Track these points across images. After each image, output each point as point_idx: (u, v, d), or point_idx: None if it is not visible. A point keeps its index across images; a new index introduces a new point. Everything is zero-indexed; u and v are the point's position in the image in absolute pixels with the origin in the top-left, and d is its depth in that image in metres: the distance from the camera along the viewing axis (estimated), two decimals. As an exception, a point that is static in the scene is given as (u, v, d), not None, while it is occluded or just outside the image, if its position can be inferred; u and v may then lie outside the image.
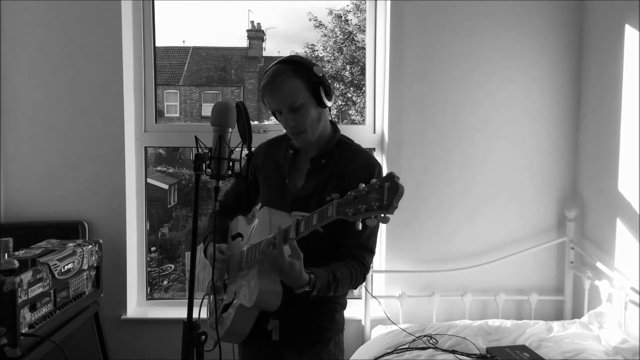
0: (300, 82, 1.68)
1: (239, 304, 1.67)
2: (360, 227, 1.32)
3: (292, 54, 1.77)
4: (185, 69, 5.67)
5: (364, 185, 1.33)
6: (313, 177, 1.78)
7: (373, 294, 2.92)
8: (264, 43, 5.03)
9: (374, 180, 1.32)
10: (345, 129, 3.16)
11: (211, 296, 1.84)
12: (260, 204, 1.94)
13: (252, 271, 1.64)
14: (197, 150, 1.50)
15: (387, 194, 1.28)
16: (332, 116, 1.85)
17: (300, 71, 1.69)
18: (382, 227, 3.04)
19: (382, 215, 1.28)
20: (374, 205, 1.28)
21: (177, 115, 5.68)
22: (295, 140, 1.77)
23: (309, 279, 1.54)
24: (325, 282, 1.60)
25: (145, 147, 3.10)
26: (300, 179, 1.80)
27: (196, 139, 1.51)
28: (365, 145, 3.08)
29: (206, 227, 2.01)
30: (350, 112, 4.47)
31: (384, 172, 2.97)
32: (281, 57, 1.77)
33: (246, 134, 1.62)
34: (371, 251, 1.77)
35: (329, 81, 1.76)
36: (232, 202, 2.01)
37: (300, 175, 1.81)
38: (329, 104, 1.74)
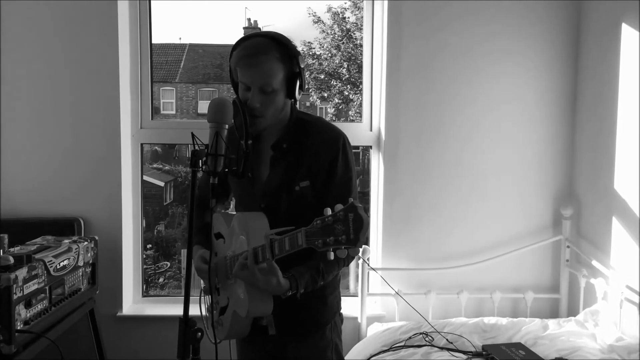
0: (281, 67, 1.60)
1: (232, 311, 1.67)
2: (332, 257, 1.28)
3: (279, 33, 1.67)
4: (181, 66, 5.66)
5: (330, 212, 1.29)
6: (278, 165, 1.72)
7: (369, 292, 2.93)
8: (260, 40, 5.02)
9: (339, 207, 1.27)
10: (342, 127, 3.17)
11: (206, 297, 1.84)
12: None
13: (239, 281, 1.62)
14: (194, 147, 1.49)
15: (352, 227, 1.23)
16: (331, 115, 1.83)
17: (285, 56, 1.61)
18: (379, 224, 3.04)
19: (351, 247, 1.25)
20: (341, 239, 1.25)
21: (173, 112, 5.68)
22: (250, 122, 1.64)
23: (290, 284, 1.55)
24: (308, 278, 1.60)
25: (142, 144, 3.09)
26: (265, 169, 1.75)
27: (192, 135, 1.50)
28: (362, 142, 3.10)
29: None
30: (345, 109, 4.48)
31: (380, 170, 2.98)
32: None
33: (243, 131, 1.62)
34: None
35: (308, 74, 1.71)
36: (206, 194, 1.82)
37: (264, 165, 1.75)
38: (298, 97, 1.68)
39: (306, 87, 1.72)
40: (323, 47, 4.59)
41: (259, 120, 1.64)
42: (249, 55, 1.60)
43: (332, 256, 1.27)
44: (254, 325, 1.71)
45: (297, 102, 1.75)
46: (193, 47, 5.56)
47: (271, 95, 1.62)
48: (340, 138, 1.72)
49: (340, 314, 1.87)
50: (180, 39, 5.56)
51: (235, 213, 1.87)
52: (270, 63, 1.59)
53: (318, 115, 4.63)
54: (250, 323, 1.69)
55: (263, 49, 1.60)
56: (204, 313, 1.84)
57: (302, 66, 1.64)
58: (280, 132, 1.73)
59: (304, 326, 1.77)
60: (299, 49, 1.69)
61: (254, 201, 1.75)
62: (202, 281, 1.85)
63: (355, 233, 1.23)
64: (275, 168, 1.73)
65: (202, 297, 1.86)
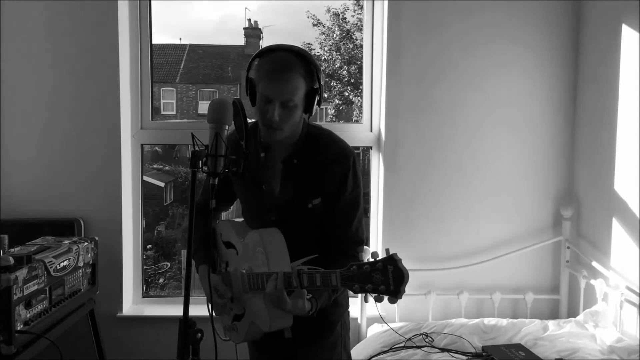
0: (303, 83, 1.64)
1: (250, 321, 1.70)
2: (367, 301, 1.42)
3: (302, 47, 1.71)
4: (181, 67, 5.67)
5: (359, 255, 1.43)
6: (289, 179, 1.75)
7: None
8: (261, 41, 5.02)
9: (375, 254, 1.35)
10: (342, 128, 3.19)
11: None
12: (239, 203, 1.94)
13: (259, 297, 1.64)
14: (194, 148, 1.49)
15: (392, 279, 1.32)
16: (331, 116, 1.85)
17: (308, 73, 1.65)
18: (379, 225, 3.04)
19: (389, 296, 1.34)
20: (381, 289, 1.33)
21: (174, 112, 5.68)
22: (267, 132, 1.69)
23: (311, 304, 1.59)
24: (325, 297, 1.65)
25: (142, 145, 3.09)
26: (276, 183, 1.77)
27: (192, 136, 1.50)
28: (362, 143, 3.10)
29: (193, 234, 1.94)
30: (347, 111, 4.48)
31: (380, 171, 2.98)
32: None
33: (243, 132, 1.62)
34: (362, 242, 1.80)
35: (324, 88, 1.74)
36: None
37: (274, 178, 1.78)
38: (313, 113, 1.72)
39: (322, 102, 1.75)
40: (323, 48, 4.59)
41: (276, 133, 1.67)
42: (276, 70, 1.62)
43: (365, 298, 1.38)
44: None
45: (310, 116, 1.77)
46: (193, 47, 5.57)
47: (291, 110, 1.64)
48: (350, 155, 1.76)
49: (348, 313, 1.92)
50: (180, 39, 5.57)
51: (242, 220, 1.89)
52: (296, 80, 1.62)
53: (319, 115, 4.65)
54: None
55: (290, 65, 1.62)
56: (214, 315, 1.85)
57: (322, 82, 1.67)
58: (291, 146, 1.75)
59: (315, 326, 1.79)
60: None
61: (264, 212, 1.77)
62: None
63: (395, 285, 1.32)
64: (286, 182, 1.76)
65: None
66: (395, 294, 1.32)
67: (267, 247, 1.63)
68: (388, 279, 1.32)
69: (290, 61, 1.63)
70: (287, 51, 1.65)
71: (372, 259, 1.36)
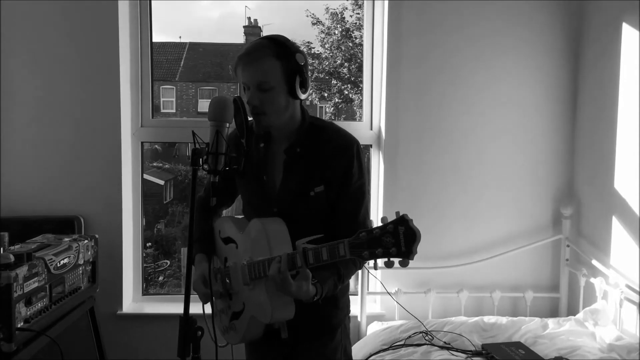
0: (278, 64, 1.60)
1: (250, 316, 1.68)
2: (375, 268, 1.36)
3: (280, 35, 1.68)
4: (181, 65, 5.65)
5: (367, 224, 1.37)
6: (291, 169, 1.73)
7: (369, 290, 2.93)
8: (260, 39, 5.00)
9: (385, 219, 1.33)
10: (342, 126, 3.17)
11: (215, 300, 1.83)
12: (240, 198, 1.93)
13: (260, 287, 1.62)
14: (195, 145, 1.49)
15: (403, 240, 1.29)
16: (330, 114, 1.82)
17: (281, 54, 1.61)
18: (379, 222, 3.03)
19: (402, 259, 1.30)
20: (392, 251, 1.30)
21: (174, 111, 5.67)
22: (255, 121, 1.66)
23: (316, 289, 1.56)
24: (331, 284, 1.62)
25: (142, 143, 3.09)
26: (278, 174, 1.75)
27: (193, 133, 1.50)
28: (362, 141, 3.08)
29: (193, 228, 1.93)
30: (347, 109, 4.48)
31: (380, 169, 2.98)
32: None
33: (243, 129, 1.62)
34: None
35: (310, 73, 1.68)
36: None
37: (277, 170, 1.75)
38: (302, 96, 1.65)
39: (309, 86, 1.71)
40: (324, 46, 4.58)
41: (261, 118, 1.65)
42: (245, 53, 1.63)
43: (375, 265, 1.34)
44: (266, 328, 1.70)
45: (302, 102, 1.73)
46: (193, 45, 5.55)
47: (270, 93, 1.62)
48: (353, 145, 1.73)
49: (349, 318, 1.88)
50: (180, 37, 5.55)
51: (242, 217, 1.87)
52: (263, 60, 1.60)
53: (318, 113, 4.64)
54: (264, 326, 1.69)
55: (258, 47, 1.62)
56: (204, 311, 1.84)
57: (301, 63, 1.63)
58: (292, 136, 1.73)
59: (315, 329, 1.77)
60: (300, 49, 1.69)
61: (266, 205, 1.74)
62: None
63: (407, 245, 1.28)
64: (288, 173, 1.73)
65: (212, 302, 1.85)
66: (407, 255, 1.28)
67: (269, 234, 1.61)
68: (399, 240, 1.29)
69: (258, 44, 1.63)
70: (260, 38, 1.66)
71: (382, 224, 1.33)
